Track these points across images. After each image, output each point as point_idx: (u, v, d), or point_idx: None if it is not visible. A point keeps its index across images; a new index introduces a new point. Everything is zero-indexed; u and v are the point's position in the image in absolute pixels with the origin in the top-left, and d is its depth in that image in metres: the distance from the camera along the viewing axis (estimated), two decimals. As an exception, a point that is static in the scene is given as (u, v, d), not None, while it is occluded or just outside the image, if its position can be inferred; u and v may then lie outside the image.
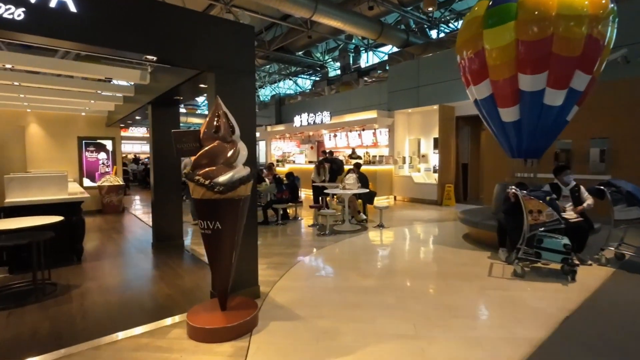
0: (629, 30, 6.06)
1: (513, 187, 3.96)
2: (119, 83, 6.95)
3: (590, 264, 4.09)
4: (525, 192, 3.81)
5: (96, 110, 8.10)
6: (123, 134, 18.93)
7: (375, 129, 11.13)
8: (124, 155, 20.21)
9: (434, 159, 10.00)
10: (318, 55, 18.58)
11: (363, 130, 11.50)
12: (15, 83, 5.36)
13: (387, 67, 12.96)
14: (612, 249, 4.24)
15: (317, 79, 20.13)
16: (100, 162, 8.96)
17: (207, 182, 2.49)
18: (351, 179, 6.72)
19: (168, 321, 2.86)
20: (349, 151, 11.85)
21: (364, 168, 8.17)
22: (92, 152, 8.82)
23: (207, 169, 2.56)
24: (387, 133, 10.84)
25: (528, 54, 4.36)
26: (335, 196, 7.51)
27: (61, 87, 5.93)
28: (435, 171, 9.84)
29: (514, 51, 4.42)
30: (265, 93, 25.08)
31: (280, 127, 15.34)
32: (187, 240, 5.58)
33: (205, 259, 2.79)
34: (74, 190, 5.28)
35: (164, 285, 3.74)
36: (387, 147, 10.90)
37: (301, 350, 2.40)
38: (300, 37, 13.91)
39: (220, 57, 3.07)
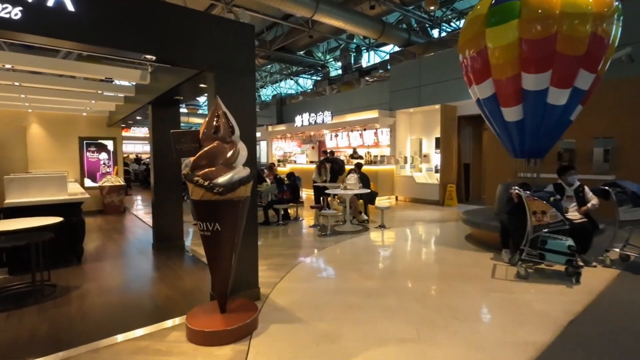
0: (634, 29, 5.99)
1: (516, 187, 3.91)
2: (120, 83, 6.94)
3: (595, 266, 4.04)
4: (528, 192, 3.77)
5: (97, 111, 8.10)
6: (125, 134, 19.00)
7: (376, 129, 11.08)
8: (125, 155, 20.27)
9: (436, 158, 9.95)
10: (319, 54, 18.54)
11: (364, 130, 11.46)
12: (16, 83, 5.34)
13: (389, 67, 12.91)
14: (617, 250, 4.18)
15: (319, 78, 20.09)
16: (102, 162, 8.96)
17: (206, 183, 2.46)
18: (352, 179, 6.68)
19: (167, 323, 2.83)
20: (350, 151, 11.81)
21: (365, 168, 8.13)
22: (93, 152, 8.82)
23: (206, 170, 2.53)
24: (389, 133, 10.79)
25: (531, 53, 4.31)
26: (336, 196, 7.47)
27: (62, 87, 5.92)
28: (437, 171, 9.78)
29: (517, 50, 4.37)
30: (266, 93, 25.07)
31: (282, 127, 15.31)
32: (188, 241, 5.55)
33: (206, 260, 2.76)
34: (74, 190, 5.26)
35: (163, 287, 3.72)
36: (388, 147, 10.86)
37: (301, 354, 2.37)
38: (301, 37, 13.88)
39: (220, 57, 3.04)
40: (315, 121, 12.50)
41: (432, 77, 9.89)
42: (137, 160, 19.43)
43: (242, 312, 2.74)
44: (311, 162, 12.84)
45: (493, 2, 4.54)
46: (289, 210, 7.42)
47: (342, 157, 10.91)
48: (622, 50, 5.93)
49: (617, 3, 4.30)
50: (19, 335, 2.69)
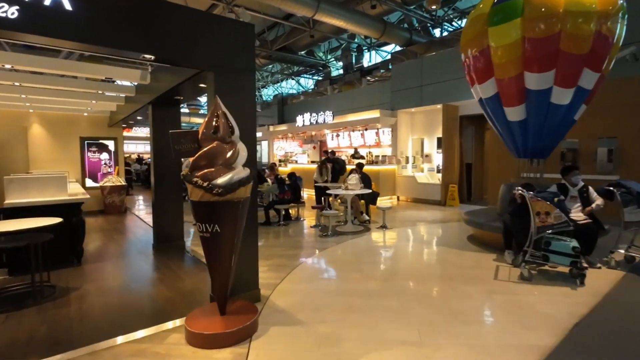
0: (639, 27, 5.92)
1: (519, 188, 3.87)
2: (122, 83, 6.92)
3: (600, 267, 3.99)
4: (532, 193, 3.72)
5: (98, 111, 8.09)
6: (126, 134, 19.03)
7: (378, 129, 11.03)
8: (127, 155, 20.30)
9: (438, 158, 9.90)
10: (320, 54, 18.50)
11: (366, 129, 11.42)
12: (16, 83, 5.33)
13: (390, 66, 12.86)
14: (622, 251, 4.13)
15: (320, 78, 20.05)
16: (103, 162, 8.96)
17: (205, 184, 2.43)
18: (354, 179, 6.65)
19: (167, 325, 2.80)
20: (352, 151, 11.77)
21: (366, 168, 8.09)
22: (94, 152, 8.81)
23: (205, 171, 2.50)
24: (390, 133, 10.74)
25: (535, 52, 4.26)
26: (337, 197, 7.44)
27: (62, 88, 5.91)
28: (438, 171, 9.73)
29: (520, 49, 4.32)
30: (267, 93, 25.05)
31: (283, 127, 15.29)
32: (188, 241, 5.52)
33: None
34: (74, 191, 5.25)
35: (163, 288, 3.69)
36: (390, 147, 10.81)
37: (302, 357, 2.34)
38: (302, 37, 13.85)
39: (220, 56, 3.01)
40: (316, 121, 12.46)
41: (433, 76, 9.84)
42: (139, 160, 19.46)
43: (242, 314, 2.71)
44: (312, 162, 12.80)
45: (495, 0, 4.49)
46: (290, 211, 7.39)
47: (343, 157, 10.87)
48: (626, 49, 5.87)
49: (621, 1, 4.25)
50: (17, 337, 2.67)
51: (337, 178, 8.33)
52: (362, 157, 10.96)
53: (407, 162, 10.49)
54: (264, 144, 16.86)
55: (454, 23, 13.92)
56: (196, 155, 2.54)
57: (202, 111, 23.46)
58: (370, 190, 6.87)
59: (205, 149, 2.54)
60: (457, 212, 8.17)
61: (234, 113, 2.69)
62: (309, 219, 7.44)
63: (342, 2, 10.96)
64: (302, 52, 16.73)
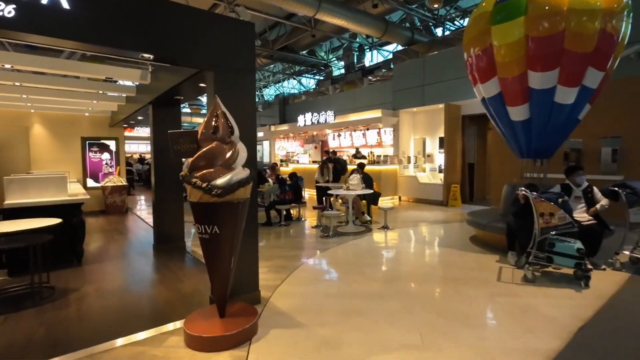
0: (643, 26, 5.85)
1: (523, 188, 3.82)
2: (124, 83, 6.92)
3: (604, 269, 3.94)
4: (535, 193, 3.67)
5: (99, 111, 8.09)
6: (129, 134, 19.03)
7: (379, 129, 10.99)
8: (129, 155, 20.32)
9: (440, 158, 9.84)
10: (322, 54, 18.45)
11: (367, 129, 11.37)
12: (17, 83, 5.32)
13: (392, 66, 12.80)
14: (627, 253, 4.07)
15: (321, 78, 20.00)
16: (104, 162, 8.96)
17: (204, 184, 2.40)
18: (355, 179, 6.60)
19: (166, 327, 2.77)
20: (353, 151, 11.73)
21: (368, 168, 8.04)
22: (95, 152, 8.82)
23: (204, 171, 2.47)
24: (392, 132, 10.69)
25: (538, 51, 4.20)
26: (338, 197, 7.40)
27: (63, 88, 5.90)
28: (440, 171, 9.68)
29: (523, 48, 4.26)
30: (269, 93, 25.02)
31: (284, 127, 15.26)
32: (189, 242, 5.50)
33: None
34: (75, 191, 5.23)
35: (163, 289, 3.67)
36: (391, 147, 10.76)
37: (302, 361, 2.30)
38: (304, 36, 13.81)
39: (220, 55, 2.98)
40: (318, 121, 12.42)
41: (435, 76, 9.79)
42: (141, 160, 19.48)
43: (241, 316, 2.68)
44: (314, 162, 12.77)
45: (499, -1, 4.44)
46: (291, 211, 7.36)
47: (345, 157, 10.82)
48: (631, 47, 5.80)
49: (627, -1, 4.19)
50: (15, 339, 2.65)
51: (338, 178, 8.29)
52: (363, 157, 10.92)
53: (408, 162, 10.44)
54: (266, 143, 16.84)
55: (456, 22, 13.84)
56: (195, 155, 2.51)
57: (203, 111, 23.45)
58: (372, 191, 6.82)
59: (204, 149, 2.51)
60: (459, 212, 8.12)
61: (234, 113, 2.66)
62: (310, 219, 7.41)
63: (344, 2, 10.92)
64: (304, 52, 16.68)
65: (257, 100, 24.15)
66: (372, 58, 17.54)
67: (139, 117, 7.68)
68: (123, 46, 2.55)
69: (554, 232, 3.56)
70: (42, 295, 3.40)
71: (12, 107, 7.36)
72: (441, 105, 9.32)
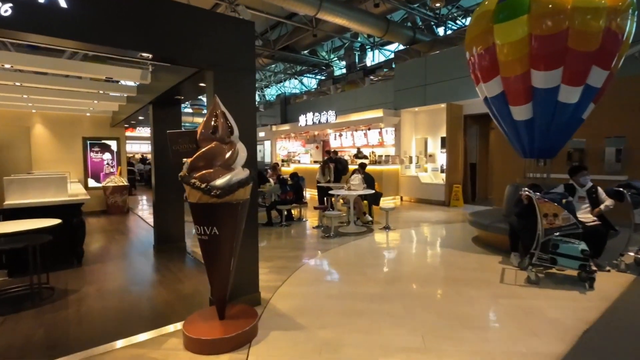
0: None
1: (526, 189, 3.77)
2: (125, 83, 6.91)
3: (609, 270, 3.89)
4: (539, 194, 3.62)
5: (101, 111, 8.09)
6: (130, 134, 19.08)
7: (381, 128, 10.94)
8: (131, 155, 20.35)
9: (442, 158, 9.79)
10: (323, 54, 18.42)
11: (369, 129, 11.33)
12: (17, 83, 5.32)
13: (393, 66, 12.76)
14: (632, 254, 4.01)
15: (323, 78, 19.97)
16: (105, 162, 8.96)
17: (203, 185, 2.37)
18: (356, 179, 6.56)
19: (165, 329, 2.74)
20: (355, 151, 11.69)
21: (369, 168, 8.01)
22: (97, 152, 8.81)
23: (203, 172, 2.44)
24: (394, 132, 10.65)
25: (542, 49, 4.16)
26: (340, 197, 7.37)
27: (64, 88, 5.89)
28: (442, 171, 9.63)
29: (526, 46, 4.22)
30: (270, 92, 25.01)
31: (286, 127, 15.23)
32: (189, 243, 5.48)
33: (204, 264, 2.67)
34: (75, 191, 5.22)
35: (163, 291, 3.64)
36: (393, 147, 10.72)
37: (302, 364, 2.27)
38: (305, 36, 13.78)
39: (219, 55, 2.95)
40: (319, 121, 12.39)
41: (437, 75, 9.73)
42: (143, 160, 19.51)
43: (241, 318, 2.65)
44: (315, 162, 12.73)
45: (501, -3, 4.39)
46: (292, 211, 7.33)
47: (346, 157, 10.79)
48: (636, 45, 5.74)
49: (631, -3, 4.13)
50: (13, 341, 2.63)
51: (339, 178, 8.26)
52: (365, 157, 10.88)
53: (410, 162, 10.39)
54: (267, 143, 16.82)
55: (457, 21, 13.78)
56: (194, 156, 2.49)
57: (205, 111, 23.42)
58: (373, 191, 6.78)
59: (203, 149, 2.48)
60: (461, 212, 8.07)
61: (234, 113, 2.63)
62: (311, 219, 7.37)
63: (345, 1, 10.88)
64: (305, 52, 16.66)
65: (258, 100, 24.16)
66: (373, 58, 17.49)
67: (140, 117, 7.67)
68: (122, 45, 2.53)
69: (557, 233, 3.51)
70: (41, 296, 3.39)
71: (13, 107, 7.36)
72: (443, 105, 9.27)
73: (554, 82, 4.25)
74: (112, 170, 8.97)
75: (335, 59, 18.61)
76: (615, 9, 3.98)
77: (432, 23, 13.44)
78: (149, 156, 21.09)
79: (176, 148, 2.51)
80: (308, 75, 21.11)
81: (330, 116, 11.98)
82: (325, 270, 4.29)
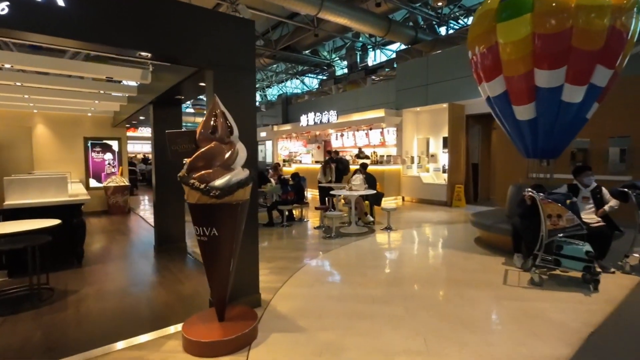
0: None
1: (529, 189, 3.73)
2: (127, 83, 6.90)
3: (613, 272, 3.84)
4: (542, 194, 3.58)
5: (102, 111, 8.09)
6: (133, 134, 19.09)
7: (382, 128, 10.90)
8: (133, 155, 20.37)
9: (443, 158, 9.75)
10: (325, 54, 18.39)
11: (370, 129, 11.29)
12: (18, 83, 5.31)
13: (395, 65, 12.70)
14: (637, 255, 3.96)
15: (324, 77, 19.94)
16: (107, 162, 8.95)
17: (202, 186, 2.34)
18: (358, 179, 6.53)
19: (164, 331, 2.72)
20: (356, 151, 11.65)
21: (371, 168, 7.97)
22: (98, 152, 8.81)
23: (203, 172, 2.41)
24: (395, 132, 10.60)
25: (545, 48, 4.11)
26: (341, 197, 7.33)
27: (64, 88, 5.88)
28: (444, 171, 9.58)
29: (529, 45, 4.17)
30: (272, 92, 25.00)
31: (287, 127, 15.21)
32: (190, 243, 5.45)
33: (204, 265, 2.65)
34: (76, 191, 5.21)
35: (162, 292, 3.62)
36: (395, 147, 10.67)
37: (302, 367, 2.24)
38: (306, 36, 13.75)
39: (219, 54, 2.92)
40: (320, 121, 12.36)
41: (439, 75, 9.68)
42: (145, 160, 19.53)
43: (241, 320, 2.62)
44: (316, 162, 12.71)
45: (504, -5, 4.35)
46: (293, 212, 7.30)
47: (347, 157, 10.75)
48: (640, 45, 5.67)
49: (637, -5, 4.08)
50: (11, 342, 2.61)
51: (340, 178, 8.23)
52: (366, 157, 10.84)
53: (412, 162, 10.35)
54: (268, 143, 16.80)
55: (460, 21, 13.72)
56: (193, 156, 2.46)
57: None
58: (375, 191, 6.75)
59: (202, 149, 2.45)
60: (463, 213, 8.02)
61: (234, 112, 2.61)
62: (312, 220, 7.34)
63: (347, 0, 10.84)
64: (307, 52, 16.63)
65: (260, 100, 24.16)
66: (375, 57, 17.44)
67: (141, 117, 7.67)
68: (120, 44, 2.50)
69: (561, 235, 3.47)
70: (41, 297, 3.37)
71: (15, 108, 7.37)
72: (445, 105, 9.22)
73: (558, 81, 4.20)
74: (113, 170, 8.97)
75: (337, 58, 18.57)
76: (620, 7, 3.93)
77: (434, 22, 13.38)
78: (151, 156, 21.14)
79: (175, 148, 2.48)
80: (309, 75, 21.09)
81: (331, 116, 11.95)
82: (326, 271, 4.26)
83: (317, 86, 20.68)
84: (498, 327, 2.78)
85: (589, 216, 3.98)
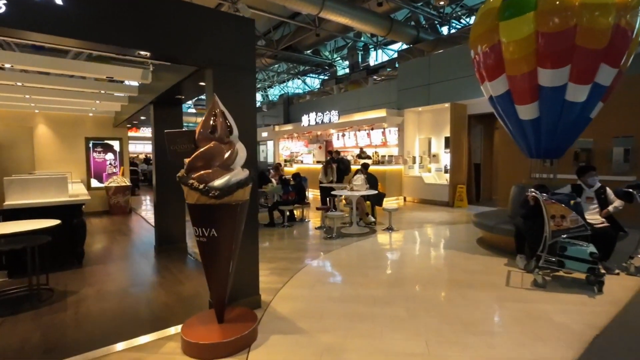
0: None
1: (532, 189, 3.69)
2: (129, 83, 6.89)
3: (618, 274, 3.79)
4: (546, 195, 3.54)
5: (103, 111, 8.09)
6: (135, 134, 19.11)
7: (384, 128, 10.86)
8: (135, 155, 20.40)
9: (445, 158, 9.69)
10: (326, 53, 18.37)
11: (372, 129, 11.25)
12: (19, 83, 5.31)
13: (397, 65, 12.66)
14: (642, 256, 3.92)
15: (326, 77, 19.91)
16: (108, 162, 8.96)
17: (201, 186, 2.32)
18: (359, 180, 6.50)
19: (164, 333, 2.70)
20: (358, 151, 11.62)
21: (372, 168, 7.93)
22: (99, 152, 8.82)
23: (202, 172, 2.39)
24: (397, 132, 10.56)
25: (549, 47, 4.06)
26: (342, 197, 7.30)
27: (65, 88, 5.88)
28: (446, 171, 9.53)
29: (533, 44, 4.13)
30: (273, 92, 25.00)
31: (288, 127, 15.19)
32: (191, 243, 5.43)
33: (203, 266, 2.62)
34: (76, 192, 5.20)
35: (162, 293, 3.60)
36: (396, 147, 10.63)
37: (302, 370, 2.21)
38: (308, 36, 13.73)
39: (218, 53, 2.90)
40: (322, 121, 12.34)
41: (441, 74, 9.63)
42: (147, 160, 19.56)
43: (240, 322, 2.60)
44: (318, 162, 12.68)
45: (507, -6, 4.31)
46: (294, 212, 7.28)
47: (349, 157, 10.72)
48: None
49: (642, -7, 4.03)
50: (9, 344, 2.59)
51: (342, 178, 8.19)
52: (368, 157, 10.80)
53: (414, 162, 10.30)
54: (270, 143, 16.79)
55: (462, 20, 13.66)
56: (192, 156, 2.43)
57: (208, 111, 23.41)
58: (376, 191, 6.71)
59: (201, 149, 2.43)
60: (465, 213, 7.97)
61: (233, 112, 2.58)
62: (314, 220, 7.32)
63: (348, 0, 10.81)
64: (308, 52, 16.61)
65: (261, 100, 24.14)
66: (376, 57, 17.41)
67: (142, 117, 7.66)
68: (118, 43, 2.48)
69: (565, 236, 3.42)
70: (40, 298, 3.36)
71: (16, 108, 7.38)
72: (447, 105, 9.17)
73: (561, 80, 4.16)
74: (114, 170, 8.97)
75: (338, 58, 18.54)
76: (625, 5, 3.89)
77: (436, 22, 13.34)
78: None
79: (174, 148, 2.46)
80: (311, 75, 21.07)
81: (333, 116, 11.92)
82: (327, 272, 4.23)
83: (318, 86, 20.65)
84: (500, 329, 2.75)
85: (593, 217, 3.93)
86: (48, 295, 3.45)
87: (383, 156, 10.73)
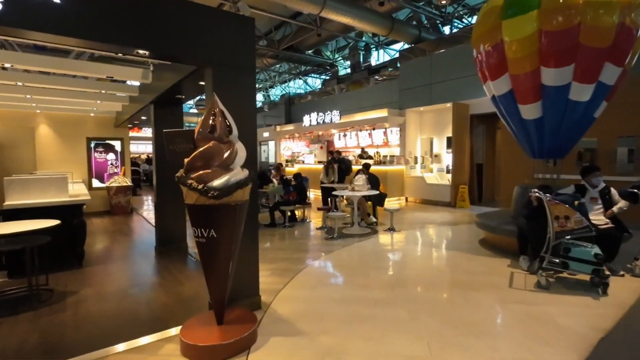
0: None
1: (536, 190, 3.64)
2: (130, 83, 6.88)
3: (623, 275, 3.74)
4: (549, 195, 3.49)
5: (104, 111, 8.09)
6: (136, 134, 19.14)
7: (386, 128, 10.82)
8: (137, 155, 20.44)
9: (447, 158, 9.64)
10: (328, 53, 18.34)
11: (373, 129, 11.21)
12: (20, 83, 5.31)
13: (398, 65, 12.62)
14: (647, 258, 3.87)
15: (327, 77, 19.88)
16: (109, 162, 8.96)
17: (200, 186, 2.29)
18: (360, 180, 6.46)
19: (163, 334, 2.67)
20: (359, 151, 11.58)
21: (374, 168, 7.90)
22: (101, 152, 8.82)
23: (201, 172, 2.36)
24: (399, 132, 10.52)
25: (552, 46, 4.01)
26: (344, 197, 7.27)
27: (66, 87, 5.87)
28: (448, 172, 9.48)
29: (536, 43, 4.07)
30: (275, 93, 24.99)
31: (290, 127, 15.17)
32: (191, 243, 5.41)
33: (203, 267, 2.60)
34: (76, 192, 5.19)
35: (162, 293, 3.58)
36: (398, 147, 10.58)
37: (302, 372, 2.18)
38: (309, 36, 13.71)
39: (218, 52, 2.88)
40: (323, 121, 12.31)
41: (443, 74, 9.59)
42: (148, 160, 19.60)
43: (240, 323, 2.57)
44: (319, 162, 12.65)
45: (510, -8, 4.26)
46: (295, 212, 7.25)
47: (350, 157, 10.68)
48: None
49: (647, -9, 3.98)
50: (8, 344, 2.57)
51: (343, 179, 8.16)
52: (369, 157, 10.76)
53: (415, 162, 10.26)
54: (271, 144, 16.78)
55: (463, 20, 13.61)
56: (191, 156, 2.41)
57: (209, 111, 23.42)
58: (378, 192, 6.68)
59: (201, 149, 2.41)
60: (467, 214, 7.92)
61: (233, 111, 2.56)
62: (315, 220, 7.29)
63: None
64: (309, 52, 16.59)
65: (262, 100, 24.13)
66: (378, 57, 17.36)
67: (143, 117, 7.66)
68: (118, 42, 2.46)
69: (569, 236, 3.38)
70: (40, 298, 3.34)
71: (18, 108, 7.39)
72: (449, 105, 9.13)
73: (565, 79, 4.11)
74: (115, 170, 8.97)
75: (340, 58, 18.51)
76: (629, 4, 3.83)
77: (438, 21, 13.28)
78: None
79: (173, 148, 2.44)
80: (312, 75, 21.04)
81: (334, 116, 11.89)
82: (328, 273, 4.20)
83: (320, 86, 20.62)
84: (503, 332, 2.71)
85: (597, 217, 3.89)
86: (48, 295, 3.44)
87: (385, 156, 10.69)
